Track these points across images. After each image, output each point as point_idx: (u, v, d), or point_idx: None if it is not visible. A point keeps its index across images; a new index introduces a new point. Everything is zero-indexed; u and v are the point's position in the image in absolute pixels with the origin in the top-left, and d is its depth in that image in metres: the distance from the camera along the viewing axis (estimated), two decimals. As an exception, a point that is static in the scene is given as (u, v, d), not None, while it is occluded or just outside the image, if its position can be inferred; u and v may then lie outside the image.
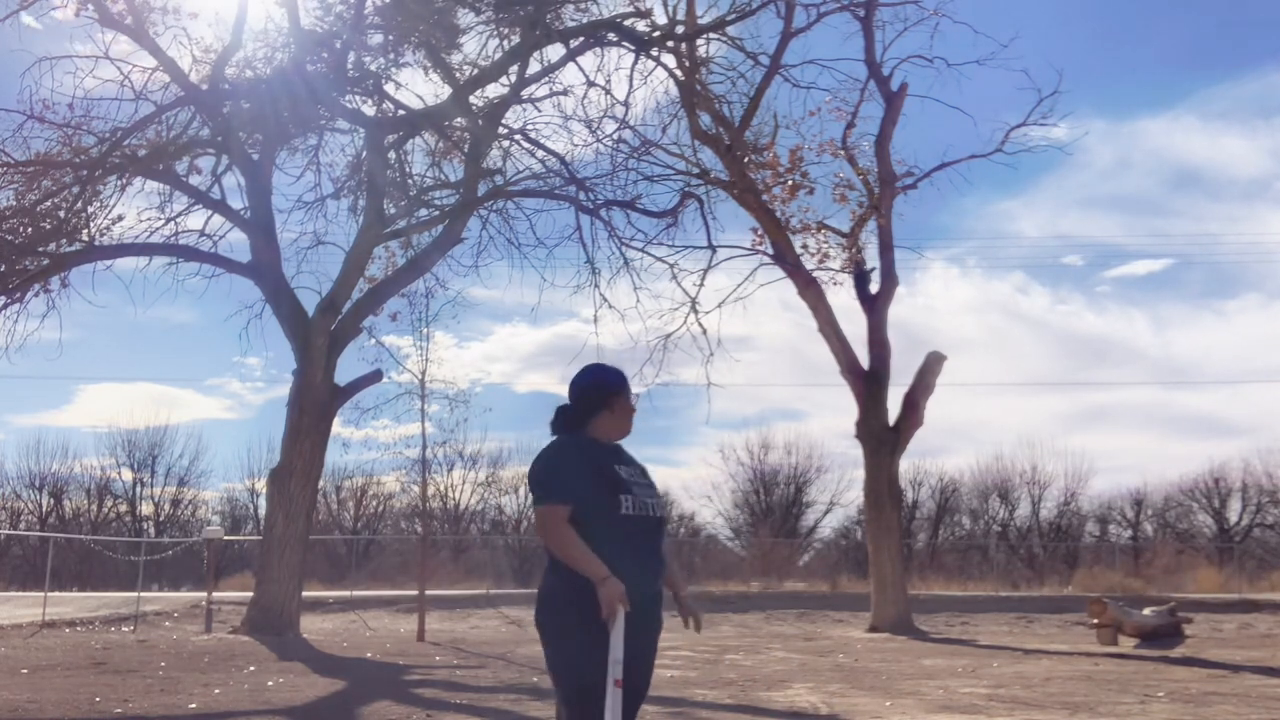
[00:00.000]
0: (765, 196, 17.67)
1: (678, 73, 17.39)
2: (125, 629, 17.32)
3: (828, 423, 52.03)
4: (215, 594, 19.47)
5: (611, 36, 16.04)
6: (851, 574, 28.95)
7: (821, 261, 17.83)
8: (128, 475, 41.64)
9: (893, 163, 17.96)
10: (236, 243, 36.41)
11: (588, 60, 16.33)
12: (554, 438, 3.28)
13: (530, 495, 3.31)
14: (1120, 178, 57.57)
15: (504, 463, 41.26)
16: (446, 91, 16.47)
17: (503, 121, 16.88)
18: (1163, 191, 57.74)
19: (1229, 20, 54.73)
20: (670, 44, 17.16)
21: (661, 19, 17.13)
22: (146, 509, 42.18)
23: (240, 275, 15.97)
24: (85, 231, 15.40)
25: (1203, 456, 60.43)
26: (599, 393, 3.29)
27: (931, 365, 17.46)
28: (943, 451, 61.95)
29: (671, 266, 17.14)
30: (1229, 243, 52.58)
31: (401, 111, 16.46)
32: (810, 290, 17.71)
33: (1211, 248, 51.49)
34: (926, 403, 17.45)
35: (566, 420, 3.29)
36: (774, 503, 40.59)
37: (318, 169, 17.01)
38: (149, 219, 16.20)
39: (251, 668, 9.98)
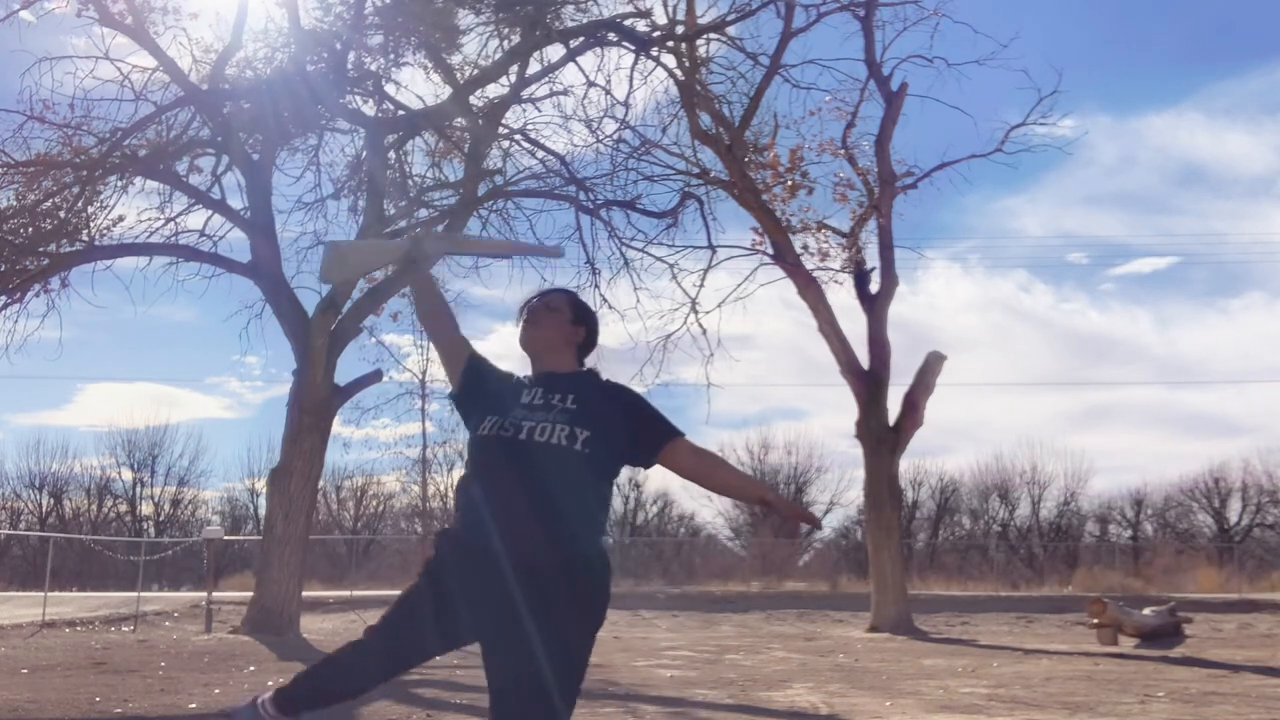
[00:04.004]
0: (765, 196, 17.67)
1: (678, 73, 17.39)
2: (125, 629, 17.32)
3: (828, 422, 52.08)
4: (215, 594, 19.47)
5: (611, 37, 16.02)
6: (851, 574, 28.96)
7: (821, 261, 17.86)
8: (128, 475, 41.75)
9: (893, 162, 17.96)
10: (236, 243, 36.50)
11: (588, 60, 16.33)
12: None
13: None
14: (1124, 175, 57.63)
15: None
16: (447, 92, 16.47)
17: (503, 121, 16.88)
18: (1167, 189, 57.79)
19: (1233, 16, 54.75)
20: (670, 44, 17.16)
21: (661, 19, 17.15)
22: (146, 509, 42.27)
23: (240, 275, 15.96)
24: (85, 231, 15.39)
25: (1206, 456, 60.42)
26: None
27: (931, 365, 17.46)
28: (943, 451, 62.06)
29: (671, 266, 17.16)
30: (1234, 241, 52.67)
31: (401, 112, 16.46)
32: (810, 290, 17.71)
33: (1216, 246, 51.56)
34: (926, 402, 17.45)
35: None
36: (774, 503, 40.57)
37: (318, 169, 17.00)
38: (149, 219, 16.19)
39: (251, 668, 9.97)
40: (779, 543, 33.03)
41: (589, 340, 3.01)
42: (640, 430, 2.84)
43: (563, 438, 2.69)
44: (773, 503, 2.87)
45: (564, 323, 2.96)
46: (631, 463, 2.89)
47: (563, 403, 2.77)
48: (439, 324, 3.15)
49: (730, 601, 22.34)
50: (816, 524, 2.91)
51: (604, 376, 2.99)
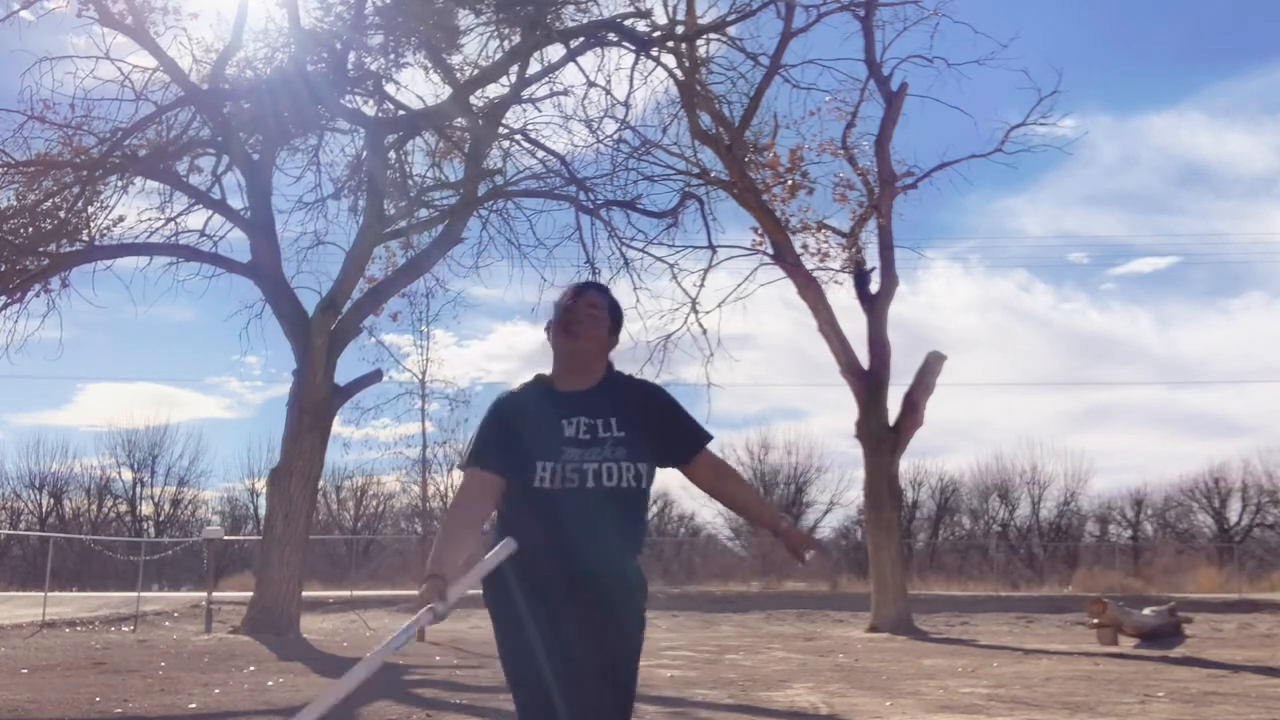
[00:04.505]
0: (765, 196, 17.68)
1: (678, 73, 17.40)
2: (125, 629, 17.32)
3: (829, 422, 51.97)
4: (215, 594, 19.48)
5: (612, 37, 16.04)
6: (851, 574, 28.96)
7: (821, 261, 17.87)
8: (128, 475, 41.74)
9: (893, 162, 17.97)
10: (236, 243, 36.49)
11: (588, 60, 16.36)
12: None
13: None
14: (1125, 174, 57.52)
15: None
16: (447, 92, 16.49)
17: (503, 121, 16.90)
18: (1168, 188, 57.69)
19: (1233, 16, 54.72)
20: (670, 44, 17.16)
21: (661, 19, 17.16)
22: (146, 509, 42.26)
23: (240, 275, 15.99)
24: (85, 231, 15.41)
25: (1206, 456, 60.36)
26: (549, 330, 2.86)
27: (931, 365, 17.46)
28: (943, 451, 61.90)
29: (671, 266, 17.19)
30: (1234, 240, 52.59)
31: (401, 111, 16.47)
32: (810, 290, 17.71)
33: (1217, 245, 51.48)
34: (926, 403, 17.45)
35: None
36: (774, 502, 40.61)
37: (318, 169, 17.04)
38: (149, 219, 16.23)
39: (251, 668, 9.98)
40: (779, 543, 32.99)
41: (617, 342, 2.93)
42: (674, 435, 2.80)
43: (630, 478, 2.62)
44: (784, 533, 2.89)
45: (604, 336, 2.82)
46: (663, 465, 2.83)
47: (609, 430, 2.66)
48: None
49: (730, 601, 22.35)
50: (820, 548, 2.93)
51: (625, 373, 2.92)
